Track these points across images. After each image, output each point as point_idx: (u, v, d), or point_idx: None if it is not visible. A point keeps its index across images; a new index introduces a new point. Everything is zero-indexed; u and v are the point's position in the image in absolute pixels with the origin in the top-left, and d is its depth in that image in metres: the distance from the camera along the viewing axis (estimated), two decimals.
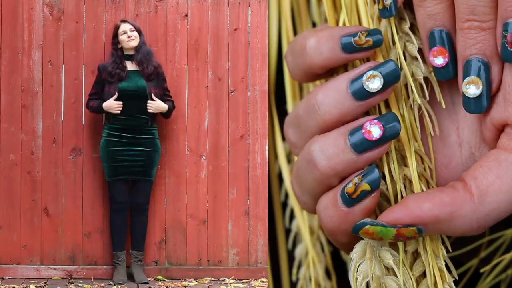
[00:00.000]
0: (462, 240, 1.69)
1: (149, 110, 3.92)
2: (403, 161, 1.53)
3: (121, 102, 3.88)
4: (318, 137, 1.51)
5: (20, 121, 4.10)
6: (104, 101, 3.91)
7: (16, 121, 4.10)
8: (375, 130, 1.46)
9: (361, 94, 1.48)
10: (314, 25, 1.78)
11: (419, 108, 1.53)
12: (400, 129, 1.46)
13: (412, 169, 1.49)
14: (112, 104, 3.88)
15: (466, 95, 1.46)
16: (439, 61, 1.49)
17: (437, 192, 1.43)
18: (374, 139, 1.46)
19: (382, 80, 1.47)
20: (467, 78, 1.46)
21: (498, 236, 1.77)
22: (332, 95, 1.50)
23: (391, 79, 1.47)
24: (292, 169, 1.62)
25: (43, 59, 4.12)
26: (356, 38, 1.51)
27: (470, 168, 1.45)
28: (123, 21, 4.03)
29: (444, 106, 1.51)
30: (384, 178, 1.53)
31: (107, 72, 3.94)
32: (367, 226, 1.42)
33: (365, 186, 1.45)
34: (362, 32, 1.51)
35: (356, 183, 1.46)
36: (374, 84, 1.47)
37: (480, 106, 1.46)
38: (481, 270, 1.76)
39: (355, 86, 1.48)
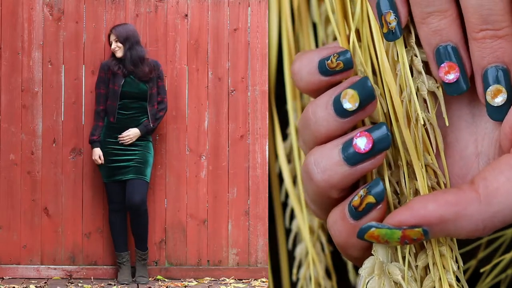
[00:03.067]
0: (461, 240, 1.69)
1: (123, 142, 3.93)
2: (415, 175, 1.52)
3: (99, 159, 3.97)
4: (315, 149, 1.51)
5: (20, 121, 4.10)
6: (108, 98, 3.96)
7: (16, 121, 4.10)
8: (363, 142, 1.45)
9: (342, 112, 1.47)
10: (314, 25, 1.78)
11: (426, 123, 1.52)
12: (391, 140, 1.45)
13: (421, 181, 1.48)
14: (95, 156, 3.98)
15: (492, 104, 1.45)
16: (451, 76, 1.48)
17: (442, 193, 1.43)
18: (363, 151, 1.45)
19: (358, 99, 1.46)
20: (491, 87, 1.45)
21: (498, 236, 1.77)
22: (319, 113, 1.50)
23: (366, 98, 1.46)
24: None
25: (43, 59, 4.12)
26: (329, 61, 1.50)
27: (480, 171, 1.44)
28: (113, 28, 3.98)
29: (447, 124, 1.50)
30: (396, 192, 1.53)
31: (110, 69, 3.94)
32: (373, 229, 1.42)
33: (370, 199, 1.45)
34: (334, 54, 1.50)
35: (361, 196, 1.45)
36: (348, 104, 1.46)
37: (505, 112, 1.45)
38: (481, 270, 1.76)
39: (336, 104, 1.48)
